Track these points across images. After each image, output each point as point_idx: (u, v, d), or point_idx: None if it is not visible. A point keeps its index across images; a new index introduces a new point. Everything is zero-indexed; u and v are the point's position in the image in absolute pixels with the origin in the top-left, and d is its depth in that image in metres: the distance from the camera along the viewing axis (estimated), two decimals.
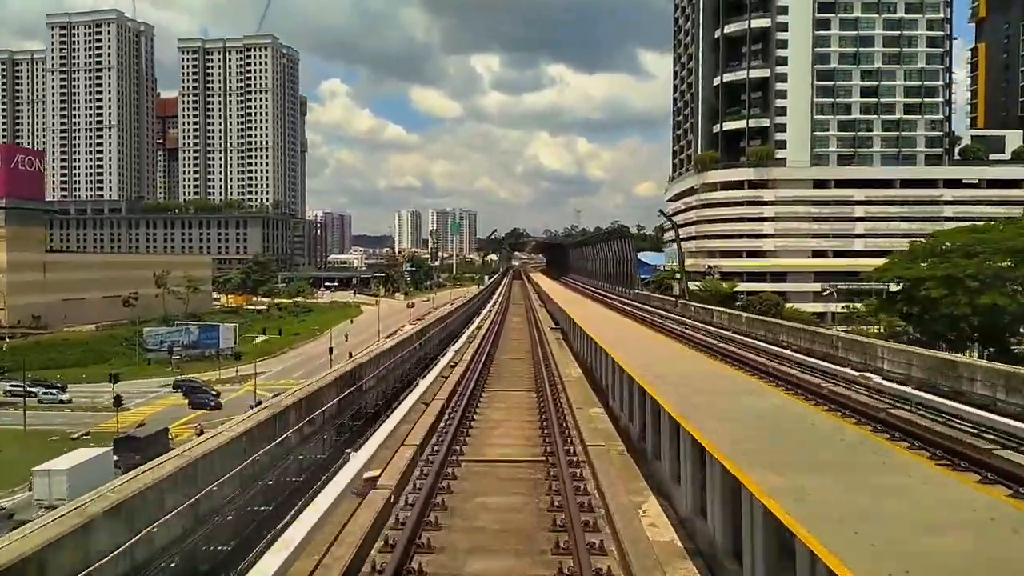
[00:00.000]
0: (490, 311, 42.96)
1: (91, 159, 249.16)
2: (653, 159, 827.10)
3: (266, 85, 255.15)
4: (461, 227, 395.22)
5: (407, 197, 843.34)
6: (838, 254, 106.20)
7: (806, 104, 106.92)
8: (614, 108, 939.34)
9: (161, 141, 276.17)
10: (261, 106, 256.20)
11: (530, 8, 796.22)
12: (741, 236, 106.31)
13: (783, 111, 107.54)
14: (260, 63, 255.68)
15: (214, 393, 63.54)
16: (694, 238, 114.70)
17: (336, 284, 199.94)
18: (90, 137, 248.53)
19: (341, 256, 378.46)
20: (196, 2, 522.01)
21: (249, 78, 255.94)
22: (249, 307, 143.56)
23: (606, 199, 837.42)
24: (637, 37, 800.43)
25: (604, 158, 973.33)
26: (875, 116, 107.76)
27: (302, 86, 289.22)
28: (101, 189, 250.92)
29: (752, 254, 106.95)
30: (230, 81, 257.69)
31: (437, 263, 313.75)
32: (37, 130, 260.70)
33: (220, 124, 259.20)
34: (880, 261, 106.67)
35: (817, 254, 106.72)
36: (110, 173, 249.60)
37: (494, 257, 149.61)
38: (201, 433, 37.28)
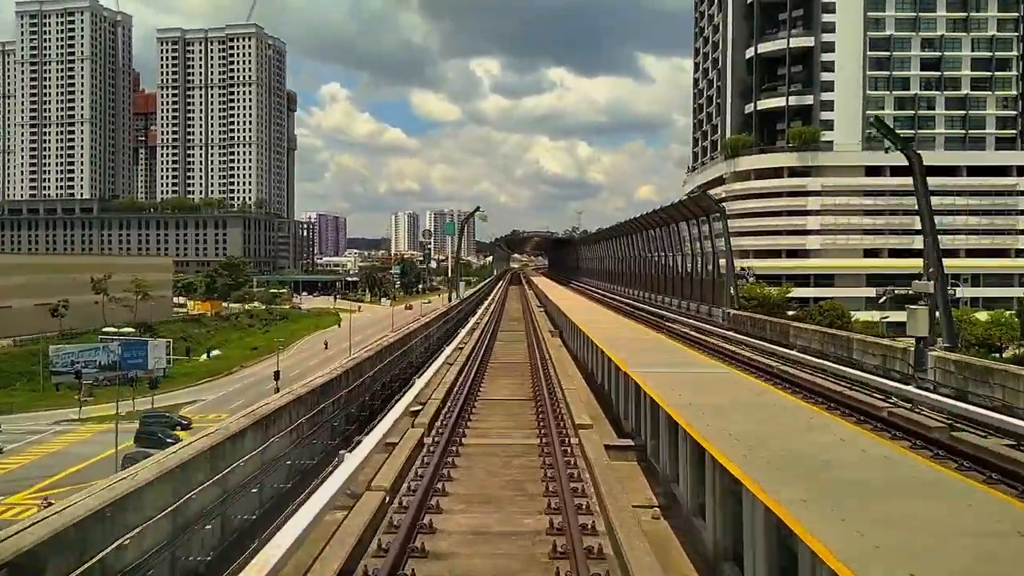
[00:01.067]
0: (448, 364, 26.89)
1: (62, 155, 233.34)
2: (654, 163, 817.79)
3: (250, 78, 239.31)
4: (456, 228, 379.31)
5: (407, 201, 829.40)
6: (894, 253, 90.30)
7: (857, 78, 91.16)
8: (615, 112, 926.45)
9: (143, 138, 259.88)
10: (244, 100, 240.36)
11: (529, 11, 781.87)
12: (780, 232, 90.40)
13: (830, 86, 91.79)
14: (243, 54, 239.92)
15: (172, 440, 46.10)
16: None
17: (320, 288, 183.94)
18: (61, 132, 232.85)
19: (335, 259, 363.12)
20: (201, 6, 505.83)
21: (232, 70, 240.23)
22: (216, 315, 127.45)
23: (606, 203, 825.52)
24: (638, 40, 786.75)
25: (605, 162, 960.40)
26: (938, 92, 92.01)
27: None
28: (72, 187, 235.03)
29: (792, 253, 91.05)
30: (212, 73, 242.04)
31: (432, 265, 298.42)
32: (8, 125, 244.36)
33: (201, 119, 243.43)
34: (947, 262, 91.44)
35: (870, 253, 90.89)
36: (82, 170, 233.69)
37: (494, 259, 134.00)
38: (47, 507, 21.79)
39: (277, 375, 56.48)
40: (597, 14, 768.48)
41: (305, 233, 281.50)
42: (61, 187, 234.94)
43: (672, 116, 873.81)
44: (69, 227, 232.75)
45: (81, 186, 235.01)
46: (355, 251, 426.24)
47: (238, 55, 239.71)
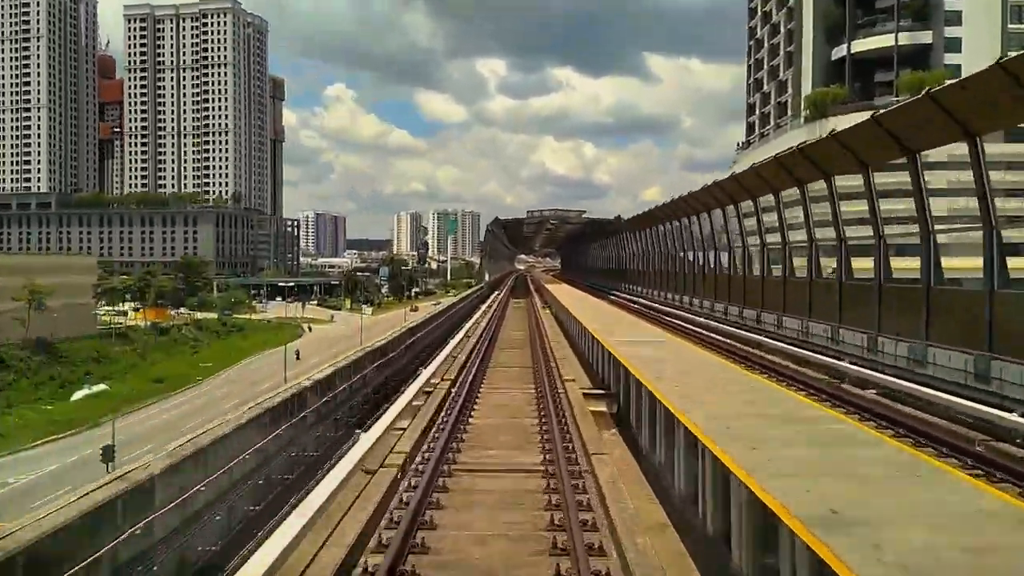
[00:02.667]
0: None
1: (17, 145, 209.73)
2: (661, 164, 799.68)
3: (225, 58, 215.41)
4: (459, 227, 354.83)
5: (414, 203, 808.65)
6: None
7: (994, 7, 66.40)
8: (621, 112, 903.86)
9: (118, 129, 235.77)
10: (219, 83, 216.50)
11: (535, 10, 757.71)
12: (888, 220, 65.39)
13: (955, 18, 67.11)
14: (218, 32, 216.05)
15: None
16: (793, 227, 73.67)
17: (296, 293, 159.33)
18: (16, 119, 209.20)
19: (332, 260, 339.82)
20: None
21: (205, 50, 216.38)
22: (154, 327, 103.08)
23: (613, 204, 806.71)
24: (646, 39, 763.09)
25: (611, 163, 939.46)
26: None
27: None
28: (29, 180, 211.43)
29: (905, 250, 66.02)
30: (184, 54, 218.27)
31: (431, 265, 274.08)
32: None
33: (172, 104, 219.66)
34: None
35: (1013, 250, 65.41)
36: (39, 161, 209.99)
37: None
38: None
39: (107, 456, 31.71)
40: (603, 13, 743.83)
41: (291, 231, 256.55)
42: (16, 179, 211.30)
43: (679, 116, 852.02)
44: (25, 224, 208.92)
45: (38, 179, 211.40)
46: (354, 252, 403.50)
47: (212, 33, 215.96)
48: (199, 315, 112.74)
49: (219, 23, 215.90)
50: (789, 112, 78.17)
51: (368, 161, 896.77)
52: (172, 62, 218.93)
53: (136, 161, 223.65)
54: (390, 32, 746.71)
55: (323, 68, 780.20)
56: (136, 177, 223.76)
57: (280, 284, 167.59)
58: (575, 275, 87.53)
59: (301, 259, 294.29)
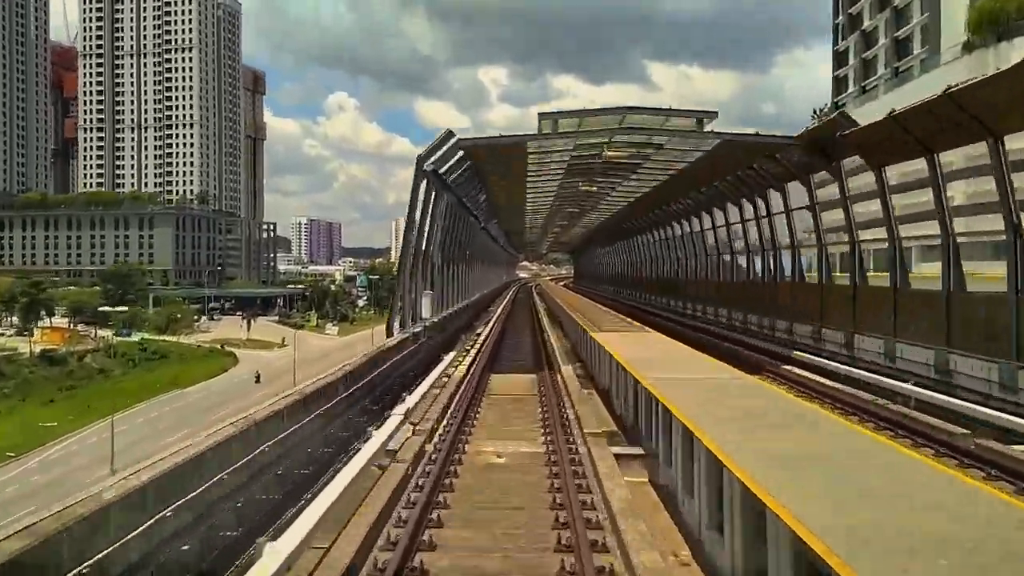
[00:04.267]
0: None
1: None
2: None
3: (189, 41, 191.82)
4: None
5: None
6: None
7: None
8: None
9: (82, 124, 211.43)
10: (183, 70, 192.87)
11: (536, 17, 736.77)
12: None
13: None
14: (182, 13, 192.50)
15: None
16: (932, 213, 48.76)
17: (259, 305, 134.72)
18: None
19: (324, 268, 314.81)
20: None
21: (168, 32, 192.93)
22: (44, 354, 78.50)
23: None
24: (646, 47, 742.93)
25: None
26: None
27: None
28: None
29: None
30: (144, 38, 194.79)
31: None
32: None
33: (132, 94, 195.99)
34: None
35: None
36: None
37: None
38: None
39: None
40: (605, 21, 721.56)
41: (267, 236, 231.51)
42: None
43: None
44: None
45: None
46: (349, 259, 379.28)
47: (175, 14, 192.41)
48: (110, 338, 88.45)
49: (183, 2, 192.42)
50: (916, 48, 53.90)
51: (371, 169, 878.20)
52: (132, 47, 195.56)
53: (92, 158, 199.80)
54: (391, 40, 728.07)
55: (325, 76, 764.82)
56: (92, 175, 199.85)
57: (242, 296, 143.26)
58: (600, 288, 62.37)
59: (290, 267, 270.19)
